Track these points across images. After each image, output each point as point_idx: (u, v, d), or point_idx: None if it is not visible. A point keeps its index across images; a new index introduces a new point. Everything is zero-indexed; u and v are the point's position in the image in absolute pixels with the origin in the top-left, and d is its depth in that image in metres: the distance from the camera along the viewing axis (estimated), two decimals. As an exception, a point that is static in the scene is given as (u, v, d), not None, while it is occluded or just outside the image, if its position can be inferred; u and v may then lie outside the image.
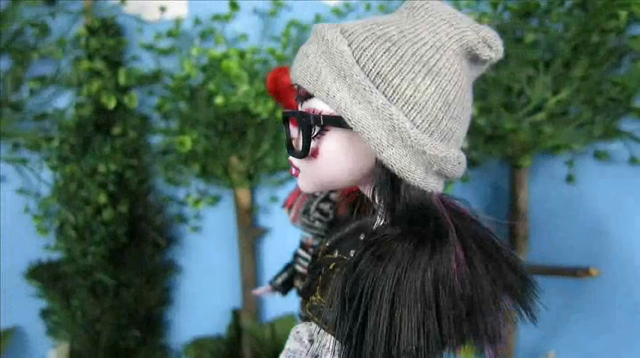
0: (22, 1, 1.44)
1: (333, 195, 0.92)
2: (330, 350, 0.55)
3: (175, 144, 1.60)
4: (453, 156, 0.53)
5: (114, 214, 1.53)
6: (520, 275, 0.53)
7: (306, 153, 0.55)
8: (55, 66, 1.51)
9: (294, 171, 0.60)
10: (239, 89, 1.41)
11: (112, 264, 1.59)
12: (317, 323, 0.59)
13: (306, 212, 0.93)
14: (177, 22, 1.53)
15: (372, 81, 0.51)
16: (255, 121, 1.55)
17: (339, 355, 0.51)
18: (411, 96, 0.50)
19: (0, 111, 1.50)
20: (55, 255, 1.61)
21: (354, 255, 0.52)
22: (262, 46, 1.56)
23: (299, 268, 1.00)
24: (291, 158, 0.59)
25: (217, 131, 1.58)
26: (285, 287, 1.07)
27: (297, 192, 0.98)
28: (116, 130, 1.54)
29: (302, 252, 1.00)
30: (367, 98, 0.50)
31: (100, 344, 1.64)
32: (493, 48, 0.55)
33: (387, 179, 0.53)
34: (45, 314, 1.66)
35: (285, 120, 0.59)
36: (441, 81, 0.51)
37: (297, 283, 1.01)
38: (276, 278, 1.08)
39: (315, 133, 0.55)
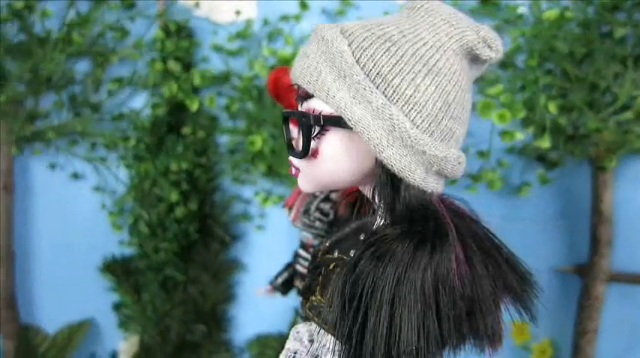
0: (102, 6, 1.50)
1: (333, 195, 0.91)
2: (330, 350, 0.55)
3: (243, 144, 1.62)
4: (453, 156, 0.53)
5: (185, 212, 1.56)
6: (520, 275, 0.53)
7: (306, 153, 0.55)
8: (132, 68, 1.56)
9: (294, 171, 0.60)
10: None
11: (181, 260, 1.63)
12: (317, 323, 0.59)
13: (306, 212, 0.93)
14: (249, 23, 1.55)
15: (372, 81, 0.51)
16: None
17: (339, 355, 0.51)
18: (411, 96, 0.50)
19: (80, 112, 1.57)
20: (128, 251, 1.67)
21: (354, 255, 0.52)
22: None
23: (299, 268, 0.99)
24: (291, 158, 0.59)
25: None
26: (285, 287, 1.07)
27: (298, 191, 0.98)
28: (186, 130, 1.58)
29: (302, 252, 0.99)
30: (367, 98, 0.50)
31: (169, 337, 1.68)
32: (493, 48, 0.54)
33: (387, 179, 0.53)
34: (117, 307, 1.72)
35: (285, 120, 0.59)
36: (441, 81, 0.51)
37: (297, 283, 1.01)
38: (276, 278, 1.08)
39: (315, 133, 0.55)
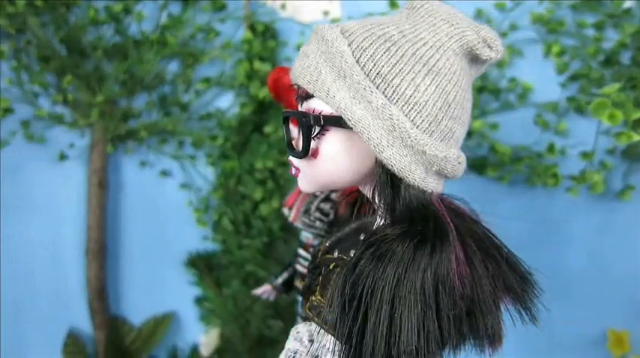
0: (193, 8, 1.54)
1: (333, 195, 0.91)
2: (330, 350, 0.55)
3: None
4: (453, 155, 0.53)
5: (269, 209, 1.59)
6: (520, 275, 0.53)
7: (306, 153, 0.55)
8: (219, 68, 1.60)
9: (294, 171, 0.60)
10: None
11: (263, 257, 1.66)
12: (317, 323, 0.58)
13: (306, 211, 0.93)
14: (325, 13, 1.56)
15: (372, 81, 0.50)
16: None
17: (339, 355, 0.51)
18: (411, 96, 0.50)
19: (170, 111, 1.62)
20: (211, 246, 1.71)
21: (354, 255, 0.52)
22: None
23: (299, 268, 0.99)
24: (291, 158, 0.59)
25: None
26: (285, 287, 1.06)
27: (298, 191, 0.97)
28: (268, 129, 1.60)
29: (302, 252, 0.99)
30: (367, 98, 0.50)
31: (248, 332, 1.71)
32: (493, 48, 0.54)
33: (387, 179, 0.53)
34: (199, 301, 1.76)
35: (286, 120, 0.59)
36: (441, 81, 0.51)
37: (298, 283, 1.01)
38: (276, 278, 1.08)
39: (315, 133, 0.54)
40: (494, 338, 0.51)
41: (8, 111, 1.42)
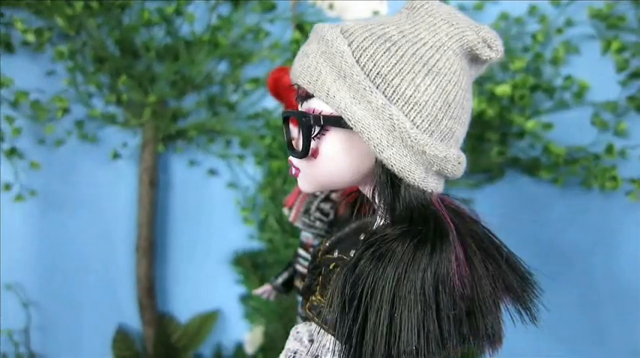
0: (243, 8, 1.56)
1: (333, 195, 0.90)
2: (330, 350, 0.55)
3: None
4: (453, 156, 0.53)
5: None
6: (520, 275, 0.53)
7: (306, 153, 0.54)
8: (266, 68, 1.61)
9: (294, 171, 0.59)
10: None
11: (308, 256, 1.66)
12: (317, 323, 0.58)
13: (306, 211, 0.92)
14: (375, 14, 1.55)
15: (372, 81, 0.50)
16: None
17: (339, 355, 0.50)
18: (410, 96, 0.50)
19: (218, 111, 1.64)
20: (257, 245, 1.72)
21: (354, 255, 0.52)
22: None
23: (299, 268, 0.98)
24: (291, 158, 0.59)
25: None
26: (285, 287, 1.06)
27: (298, 191, 0.96)
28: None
29: (302, 252, 0.98)
30: (367, 98, 0.50)
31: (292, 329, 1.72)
32: (493, 48, 0.54)
33: (387, 179, 0.53)
34: (244, 299, 1.78)
35: (286, 120, 0.59)
36: (441, 81, 0.51)
37: (298, 283, 1.00)
38: (276, 278, 1.07)
39: (315, 133, 0.54)
40: (494, 338, 0.51)
41: (66, 111, 1.46)
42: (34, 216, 1.58)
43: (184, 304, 1.75)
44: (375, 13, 1.56)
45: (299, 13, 1.61)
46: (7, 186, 1.46)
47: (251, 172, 1.68)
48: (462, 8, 1.57)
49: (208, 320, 1.76)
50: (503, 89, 1.41)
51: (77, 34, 1.47)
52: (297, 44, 1.56)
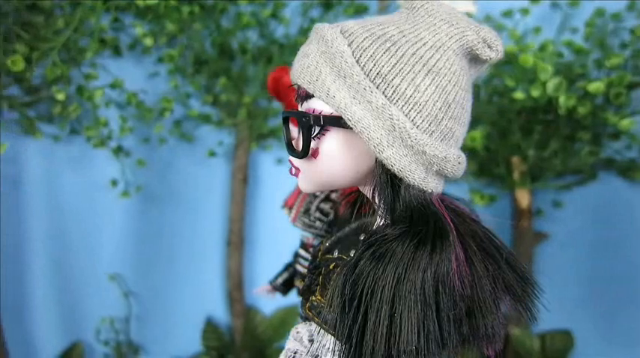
0: (335, 10, 1.60)
1: (333, 195, 0.90)
2: (330, 350, 0.55)
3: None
4: (453, 156, 0.52)
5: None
6: (520, 275, 0.53)
7: (306, 153, 0.54)
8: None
9: (294, 171, 0.59)
10: (549, 82, 1.39)
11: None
12: (317, 323, 0.58)
13: (306, 212, 0.92)
14: (469, 15, 1.56)
15: (372, 81, 0.50)
16: (546, 118, 1.52)
17: (339, 355, 0.50)
18: (410, 96, 0.50)
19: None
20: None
21: (354, 255, 0.52)
22: (558, 38, 1.52)
23: (299, 268, 0.98)
24: (291, 158, 0.59)
25: (500, 129, 1.58)
26: (285, 287, 1.06)
27: (298, 191, 0.96)
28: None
29: (302, 252, 0.98)
30: (367, 98, 0.50)
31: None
32: (493, 48, 0.54)
33: (387, 179, 0.53)
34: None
35: (286, 120, 0.59)
36: (440, 81, 0.51)
37: (298, 283, 1.00)
38: (276, 277, 1.07)
39: (315, 133, 0.54)
40: (494, 338, 0.51)
41: (169, 111, 1.53)
42: (134, 211, 1.66)
43: (270, 297, 1.80)
44: (469, 15, 1.57)
45: (384, 10, 1.64)
46: (114, 183, 1.55)
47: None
48: (555, 6, 1.58)
49: (292, 313, 1.81)
50: (596, 86, 1.40)
51: (179, 38, 1.54)
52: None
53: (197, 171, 1.71)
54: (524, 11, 1.54)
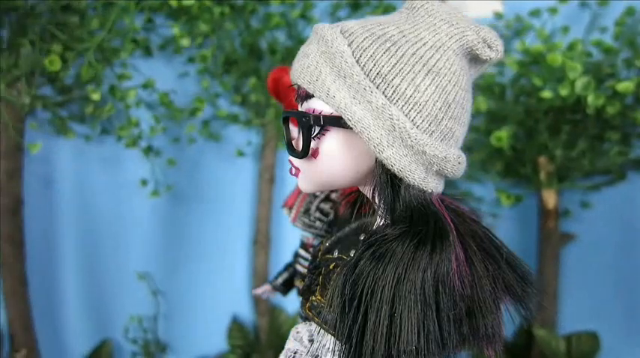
0: (362, 11, 1.61)
1: (333, 195, 0.90)
2: (330, 350, 0.55)
3: (479, 141, 1.64)
4: (454, 156, 0.52)
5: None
6: (520, 275, 0.53)
7: (306, 153, 0.54)
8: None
9: (294, 171, 0.59)
10: (577, 81, 1.39)
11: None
12: (317, 323, 0.58)
13: (306, 212, 0.92)
14: (498, 15, 1.57)
15: (372, 81, 0.50)
16: (574, 118, 1.52)
17: (339, 355, 0.50)
18: (411, 96, 0.50)
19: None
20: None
21: (354, 255, 0.52)
22: (587, 38, 1.52)
23: (299, 268, 0.98)
24: (291, 158, 0.58)
25: (527, 128, 1.58)
26: (285, 287, 1.06)
27: (298, 191, 0.96)
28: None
29: (302, 252, 0.98)
30: (367, 98, 0.50)
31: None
32: (493, 48, 0.54)
33: (387, 179, 0.53)
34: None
35: (286, 120, 0.59)
36: (440, 81, 0.51)
37: (298, 283, 1.00)
38: (276, 277, 1.07)
39: (315, 133, 0.54)
40: (494, 338, 0.51)
41: (200, 111, 1.55)
42: (162, 210, 1.67)
43: (294, 296, 1.81)
44: (499, 16, 1.58)
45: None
46: (144, 182, 1.56)
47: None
48: (583, 5, 1.58)
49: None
50: (626, 86, 1.40)
51: (210, 39, 1.55)
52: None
53: (224, 170, 1.72)
54: (553, 10, 1.54)
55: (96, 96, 1.32)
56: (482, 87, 1.60)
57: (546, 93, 1.46)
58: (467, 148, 1.82)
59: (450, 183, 1.63)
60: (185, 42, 1.42)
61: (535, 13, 1.58)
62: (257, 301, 1.73)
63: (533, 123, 1.57)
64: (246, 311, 1.77)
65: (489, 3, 1.62)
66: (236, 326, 1.76)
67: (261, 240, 1.71)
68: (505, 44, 1.64)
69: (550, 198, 1.63)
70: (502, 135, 1.50)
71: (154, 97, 1.55)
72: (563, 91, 1.39)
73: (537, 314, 1.67)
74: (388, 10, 1.60)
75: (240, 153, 1.66)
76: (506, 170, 1.68)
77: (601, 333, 1.64)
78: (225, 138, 1.69)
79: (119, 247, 1.66)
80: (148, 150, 1.54)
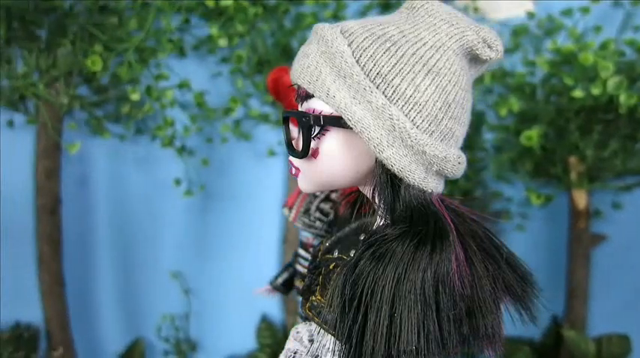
0: (393, 11, 1.61)
1: (333, 195, 0.90)
2: (330, 350, 0.55)
3: (509, 141, 1.64)
4: (454, 156, 0.52)
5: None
6: (520, 275, 0.53)
7: (306, 153, 0.54)
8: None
9: (294, 171, 0.59)
10: (609, 80, 1.39)
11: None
12: (317, 323, 0.58)
13: (306, 212, 0.92)
14: (530, 15, 1.56)
15: (372, 81, 0.50)
16: (605, 118, 1.51)
17: (339, 355, 0.50)
18: (411, 96, 0.50)
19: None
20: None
21: (354, 255, 0.52)
22: (619, 37, 1.51)
23: (299, 268, 0.98)
24: (291, 158, 0.58)
25: (557, 128, 1.58)
26: (285, 287, 1.05)
27: (298, 191, 0.95)
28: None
29: (302, 252, 0.98)
30: (367, 98, 0.50)
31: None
32: (493, 48, 0.54)
33: (387, 179, 0.53)
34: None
35: (286, 120, 0.59)
36: (440, 81, 0.51)
37: (298, 283, 0.99)
38: (276, 278, 1.07)
39: (315, 133, 0.54)
40: (494, 338, 0.50)
41: (233, 111, 1.55)
42: (194, 209, 1.68)
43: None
44: (531, 15, 1.58)
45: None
46: (177, 182, 1.57)
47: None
48: (616, 5, 1.57)
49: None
50: None
51: (245, 39, 1.56)
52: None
53: (255, 170, 1.73)
54: (585, 10, 1.54)
55: (135, 97, 1.33)
56: (513, 87, 1.60)
57: (578, 93, 1.46)
58: (496, 148, 1.82)
59: (479, 183, 1.65)
60: (222, 42, 1.43)
61: (567, 12, 1.58)
62: (286, 300, 1.74)
63: (564, 122, 1.57)
64: (275, 310, 1.78)
65: (521, 3, 1.62)
66: (265, 325, 1.77)
67: (291, 239, 1.71)
68: (536, 43, 1.65)
69: (581, 198, 1.63)
70: (532, 135, 1.50)
71: (187, 97, 1.56)
72: (595, 91, 1.39)
73: (567, 315, 1.67)
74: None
75: (271, 153, 1.67)
76: (536, 170, 1.68)
77: (632, 335, 1.64)
78: (256, 137, 1.70)
79: (152, 246, 1.67)
80: (182, 150, 1.55)
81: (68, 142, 1.40)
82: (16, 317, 1.49)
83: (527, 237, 1.76)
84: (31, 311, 1.47)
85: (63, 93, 1.37)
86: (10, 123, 1.44)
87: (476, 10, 1.64)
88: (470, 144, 1.70)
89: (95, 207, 1.61)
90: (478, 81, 1.62)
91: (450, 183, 1.64)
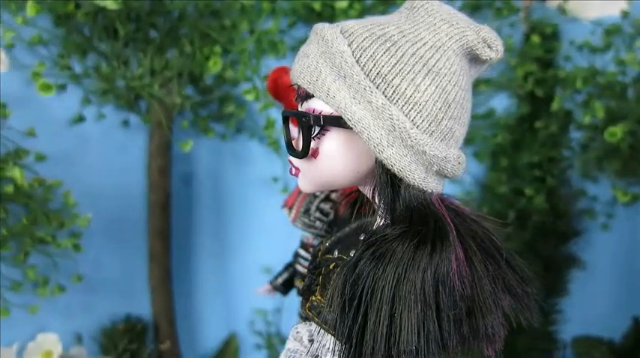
0: (480, 13, 1.64)
1: (333, 195, 0.90)
2: (330, 350, 0.55)
3: (596, 140, 1.65)
4: (454, 156, 0.52)
5: (543, 204, 1.64)
6: (520, 275, 0.53)
7: (306, 153, 0.54)
8: (496, 69, 1.68)
9: (294, 171, 0.59)
10: None
11: (530, 251, 1.71)
12: (317, 323, 0.58)
13: (306, 212, 0.92)
14: (625, 14, 1.58)
15: (372, 81, 0.50)
16: None
17: (339, 355, 0.50)
18: (410, 96, 0.50)
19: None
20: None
21: (354, 255, 0.52)
22: None
23: (299, 268, 0.98)
24: (291, 158, 0.58)
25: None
26: (285, 287, 1.06)
27: (298, 191, 0.96)
28: (539, 124, 1.66)
29: (302, 252, 0.98)
30: (367, 98, 0.50)
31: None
32: (493, 48, 0.54)
33: (387, 179, 0.53)
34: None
35: (286, 120, 0.59)
36: (440, 81, 0.51)
37: (298, 283, 1.00)
38: (276, 278, 1.07)
39: (315, 133, 0.54)
40: (494, 339, 0.50)
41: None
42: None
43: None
44: (625, 14, 1.60)
45: (530, 15, 1.67)
46: (275, 179, 1.61)
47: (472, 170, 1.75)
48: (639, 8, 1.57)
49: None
50: None
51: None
52: (530, 47, 1.63)
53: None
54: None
55: (250, 97, 1.37)
56: (603, 85, 1.61)
57: None
58: (582, 146, 1.83)
59: (564, 181, 1.65)
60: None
61: None
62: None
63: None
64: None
65: (615, 2, 1.63)
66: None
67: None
68: (630, 43, 1.66)
69: (667, 198, 1.63)
70: (616, 131, 1.48)
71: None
72: None
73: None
74: (501, 14, 1.63)
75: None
76: (624, 169, 1.68)
77: None
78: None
79: (246, 242, 1.71)
80: (279, 148, 1.59)
81: (177, 141, 1.45)
82: (126, 310, 1.53)
83: (612, 237, 1.77)
84: (140, 305, 1.52)
85: (176, 93, 1.42)
86: (126, 123, 1.49)
87: (564, 11, 1.66)
88: (556, 142, 1.72)
89: (198, 204, 1.65)
90: (569, 84, 1.64)
91: (536, 182, 1.66)
